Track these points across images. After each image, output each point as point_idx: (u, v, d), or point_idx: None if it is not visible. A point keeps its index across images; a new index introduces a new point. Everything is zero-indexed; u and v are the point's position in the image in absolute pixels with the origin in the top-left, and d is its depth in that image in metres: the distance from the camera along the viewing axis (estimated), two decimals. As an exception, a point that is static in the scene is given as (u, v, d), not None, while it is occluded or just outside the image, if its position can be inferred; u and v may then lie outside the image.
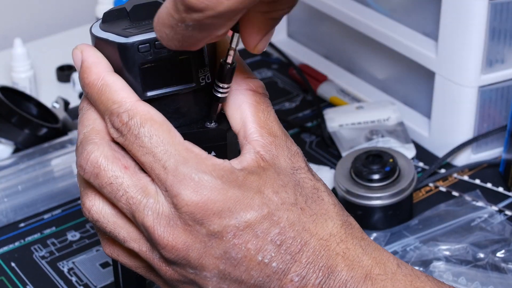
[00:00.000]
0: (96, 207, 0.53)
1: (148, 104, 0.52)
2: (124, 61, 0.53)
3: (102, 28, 0.55)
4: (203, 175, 0.50)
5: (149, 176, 0.52)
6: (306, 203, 0.53)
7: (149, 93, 0.54)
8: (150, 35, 0.53)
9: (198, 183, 0.50)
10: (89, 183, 0.53)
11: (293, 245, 0.51)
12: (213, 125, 0.55)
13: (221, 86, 0.54)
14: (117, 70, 0.54)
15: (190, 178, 0.50)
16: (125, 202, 0.51)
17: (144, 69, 0.53)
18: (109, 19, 0.55)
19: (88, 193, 0.53)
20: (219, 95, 0.54)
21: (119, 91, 0.52)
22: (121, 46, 0.53)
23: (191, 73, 0.54)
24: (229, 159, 0.55)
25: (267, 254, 0.51)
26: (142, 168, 0.52)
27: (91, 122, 0.53)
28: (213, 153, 0.56)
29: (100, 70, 0.52)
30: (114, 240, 0.54)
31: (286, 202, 0.52)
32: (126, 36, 0.53)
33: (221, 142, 0.56)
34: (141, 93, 0.53)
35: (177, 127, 0.54)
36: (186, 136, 0.54)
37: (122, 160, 0.52)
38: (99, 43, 0.54)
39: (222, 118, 0.56)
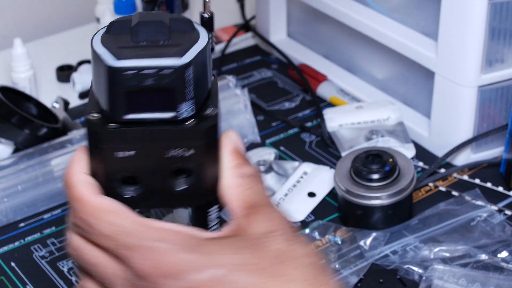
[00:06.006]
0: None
1: (104, 196, 0.55)
2: (109, 81, 0.53)
3: (102, 39, 0.54)
4: (154, 242, 0.53)
5: (116, 258, 0.54)
6: (266, 266, 0.53)
7: (129, 116, 0.54)
8: (140, 62, 0.53)
9: (150, 249, 0.52)
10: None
11: None
12: (191, 122, 0.55)
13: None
14: (103, 87, 0.54)
15: (142, 247, 0.53)
16: (99, 277, 0.55)
17: (127, 93, 0.53)
18: (113, 30, 0.55)
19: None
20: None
21: (80, 188, 0.56)
22: (107, 68, 0.53)
23: (174, 103, 0.54)
24: (209, 166, 0.56)
25: None
26: None
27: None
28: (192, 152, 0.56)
29: (72, 169, 0.57)
30: None
31: (243, 264, 0.52)
32: (118, 58, 0.53)
33: (199, 142, 0.55)
34: (121, 114, 0.54)
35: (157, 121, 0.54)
36: (162, 133, 0.54)
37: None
38: (93, 56, 0.54)
39: (208, 118, 0.55)
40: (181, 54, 0.53)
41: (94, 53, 0.54)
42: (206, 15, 0.52)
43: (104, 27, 0.56)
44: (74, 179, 0.56)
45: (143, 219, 0.54)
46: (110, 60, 0.53)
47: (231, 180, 0.57)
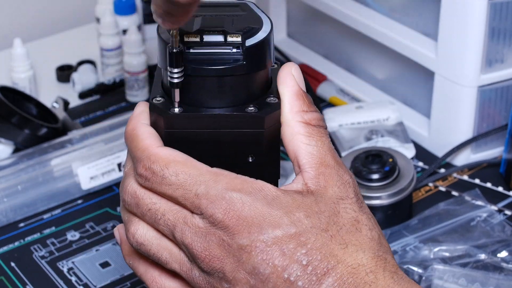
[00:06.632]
0: (140, 231, 0.56)
1: (170, 148, 0.56)
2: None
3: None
4: (233, 193, 0.53)
5: (183, 207, 0.55)
6: (338, 232, 0.54)
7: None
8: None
9: (229, 201, 0.53)
10: (133, 213, 0.57)
11: (319, 267, 0.52)
12: (252, 110, 0.56)
13: (170, 71, 0.55)
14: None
15: (221, 197, 0.53)
16: (163, 225, 0.55)
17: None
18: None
19: (132, 220, 0.57)
20: (174, 80, 0.55)
21: (145, 139, 0.56)
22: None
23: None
24: (266, 149, 0.56)
25: (293, 272, 0.52)
26: None
27: (130, 162, 0.58)
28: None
29: (137, 122, 0.57)
30: (155, 264, 0.58)
31: (316, 227, 0.53)
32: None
33: (258, 129, 0.56)
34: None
35: (219, 107, 0.56)
36: (224, 117, 0.55)
37: None
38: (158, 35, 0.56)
39: (268, 107, 0.57)
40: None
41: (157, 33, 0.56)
42: (174, 50, 0.54)
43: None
44: (138, 131, 0.57)
45: (210, 168, 0.55)
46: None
47: (296, 127, 0.57)
